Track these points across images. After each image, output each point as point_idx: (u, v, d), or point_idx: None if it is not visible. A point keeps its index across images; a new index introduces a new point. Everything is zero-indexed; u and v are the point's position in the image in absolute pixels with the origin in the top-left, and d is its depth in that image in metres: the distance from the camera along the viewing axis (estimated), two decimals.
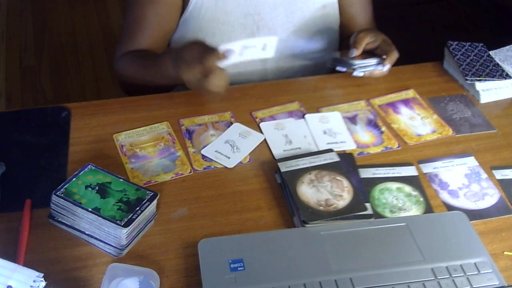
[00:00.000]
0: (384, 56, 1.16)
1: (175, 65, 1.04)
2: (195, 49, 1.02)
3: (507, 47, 1.27)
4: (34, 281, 0.71)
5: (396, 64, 1.21)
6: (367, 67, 1.17)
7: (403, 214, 0.92)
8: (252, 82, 1.24)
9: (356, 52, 1.16)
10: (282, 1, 1.21)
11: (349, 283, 0.80)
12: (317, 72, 1.30)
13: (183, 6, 1.18)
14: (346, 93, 1.18)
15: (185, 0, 1.18)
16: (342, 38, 1.32)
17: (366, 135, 1.08)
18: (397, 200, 0.95)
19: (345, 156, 1.02)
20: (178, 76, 1.03)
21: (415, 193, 0.96)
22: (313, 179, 0.94)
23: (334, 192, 0.92)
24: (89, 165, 0.91)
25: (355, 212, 0.89)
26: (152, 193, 0.88)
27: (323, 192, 0.92)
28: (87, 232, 0.85)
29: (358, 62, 1.16)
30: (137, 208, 0.85)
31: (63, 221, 0.87)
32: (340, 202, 0.90)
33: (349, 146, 1.05)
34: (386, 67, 1.17)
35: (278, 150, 1.04)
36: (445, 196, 0.96)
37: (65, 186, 0.87)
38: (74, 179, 0.88)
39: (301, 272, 0.81)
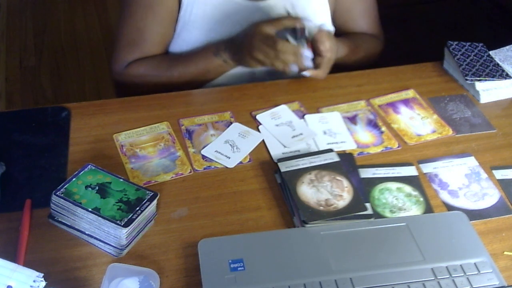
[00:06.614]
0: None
1: (235, 53, 1.14)
2: (256, 33, 1.08)
3: (507, 47, 1.27)
4: (34, 281, 0.71)
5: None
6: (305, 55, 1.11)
7: (403, 214, 0.92)
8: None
9: (311, 25, 1.11)
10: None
11: (349, 283, 0.80)
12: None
13: (178, 10, 1.18)
14: (346, 93, 1.18)
15: (180, 4, 1.17)
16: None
17: (366, 135, 1.08)
18: (397, 200, 0.95)
19: (345, 156, 1.02)
20: (230, 64, 1.16)
21: (415, 193, 0.96)
22: (313, 179, 0.94)
23: (334, 192, 0.92)
24: (89, 165, 0.91)
25: (355, 212, 0.89)
26: (152, 193, 0.88)
27: (323, 192, 0.92)
28: (87, 232, 0.85)
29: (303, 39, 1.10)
30: (137, 208, 0.85)
31: (63, 221, 0.87)
32: (340, 202, 0.90)
33: (349, 146, 1.05)
34: (306, 73, 1.14)
35: (277, 150, 1.04)
36: (445, 196, 0.96)
37: (65, 186, 0.87)
38: (74, 179, 0.88)
39: (301, 272, 0.81)
